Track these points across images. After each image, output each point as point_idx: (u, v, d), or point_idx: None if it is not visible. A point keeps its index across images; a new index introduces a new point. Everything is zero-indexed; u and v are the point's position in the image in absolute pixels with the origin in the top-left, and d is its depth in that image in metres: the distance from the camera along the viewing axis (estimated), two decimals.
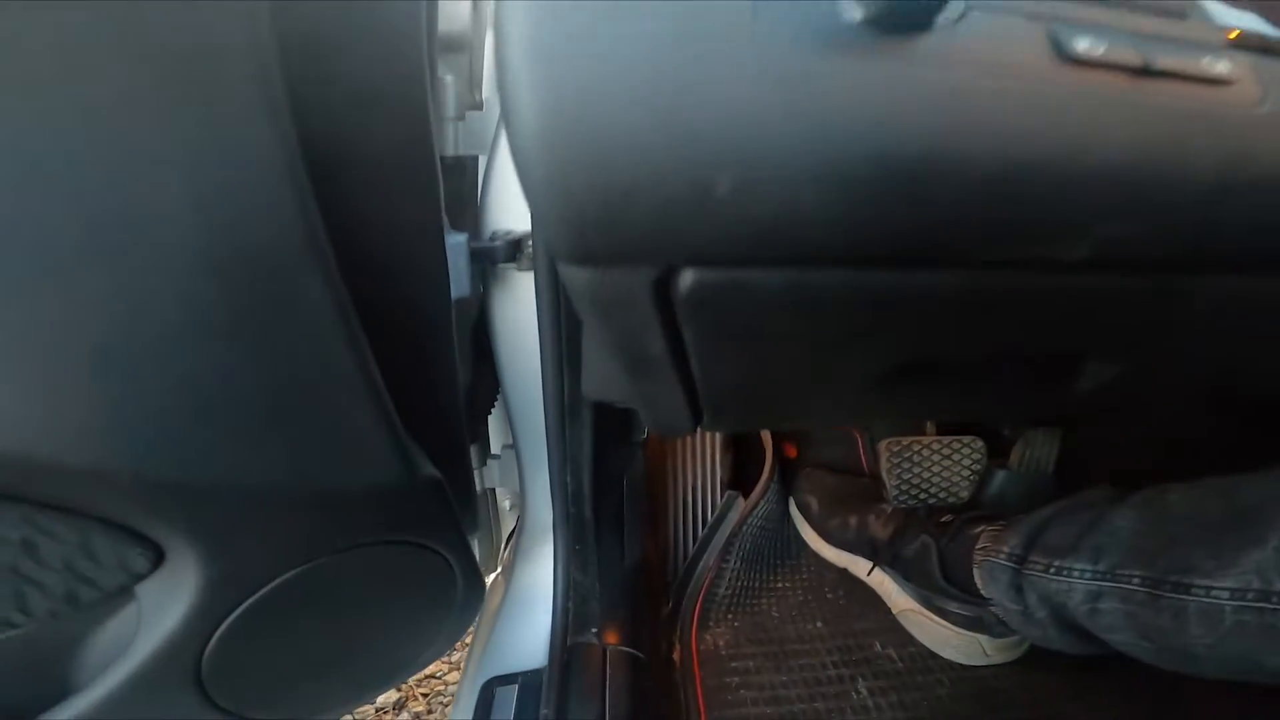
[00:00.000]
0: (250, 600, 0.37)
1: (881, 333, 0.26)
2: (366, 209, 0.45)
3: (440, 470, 0.45)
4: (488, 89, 0.65)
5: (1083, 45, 0.18)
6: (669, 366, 0.26)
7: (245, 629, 0.37)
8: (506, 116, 0.18)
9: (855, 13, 0.16)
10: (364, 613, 0.45)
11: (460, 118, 0.64)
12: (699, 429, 0.39)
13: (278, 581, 0.37)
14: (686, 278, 0.23)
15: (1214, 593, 0.41)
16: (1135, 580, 0.48)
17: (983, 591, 0.66)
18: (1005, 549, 0.62)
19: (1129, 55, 0.19)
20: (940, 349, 0.28)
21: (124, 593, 0.35)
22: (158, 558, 0.34)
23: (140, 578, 0.34)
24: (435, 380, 0.48)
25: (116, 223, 0.30)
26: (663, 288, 0.23)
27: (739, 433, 0.86)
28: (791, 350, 0.26)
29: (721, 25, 0.16)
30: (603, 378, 0.47)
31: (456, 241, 0.53)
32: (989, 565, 0.64)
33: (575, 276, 0.21)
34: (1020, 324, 0.25)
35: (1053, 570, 0.56)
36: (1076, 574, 0.53)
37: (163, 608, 0.35)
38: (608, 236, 0.18)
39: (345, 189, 0.43)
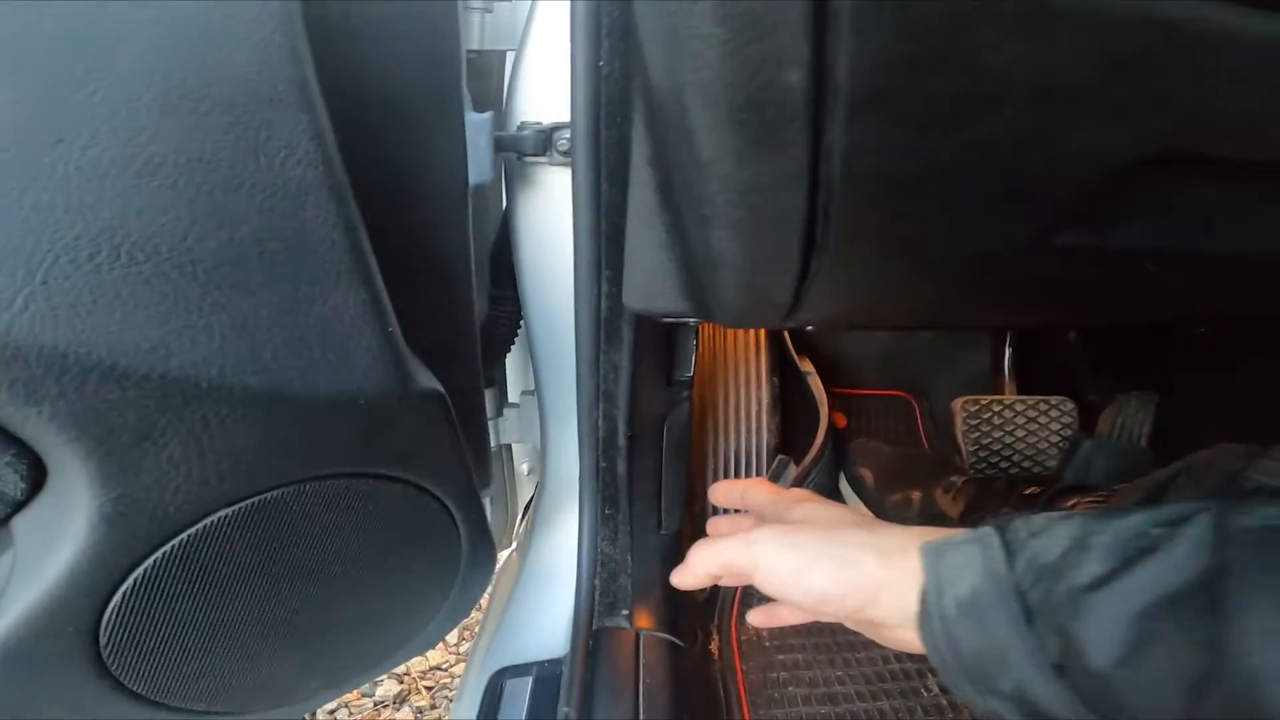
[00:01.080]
0: (169, 545, 0.26)
1: (1154, 79, 0.16)
2: (372, 63, 0.36)
3: (446, 391, 0.35)
4: None
5: None
6: (802, 125, 0.16)
7: (165, 586, 0.27)
8: None
9: None
10: (339, 572, 0.34)
11: (487, 9, 0.56)
12: (789, 316, 0.29)
13: (212, 519, 0.27)
14: None
15: None
16: None
17: None
18: None
19: None
20: (1225, 138, 0.17)
21: None
22: (36, 475, 0.24)
23: (15, 506, 0.24)
24: (443, 277, 0.38)
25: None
26: None
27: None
28: (990, 91, 0.16)
29: None
30: (651, 279, 0.37)
31: (478, 119, 0.43)
32: None
33: None
34: None
35: None
36: None
37: (43, 549, 0.25)
38: None
39: (347, 36, 0.35)
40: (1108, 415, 0.73)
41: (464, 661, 1.29)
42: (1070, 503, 0.61)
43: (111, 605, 0.27)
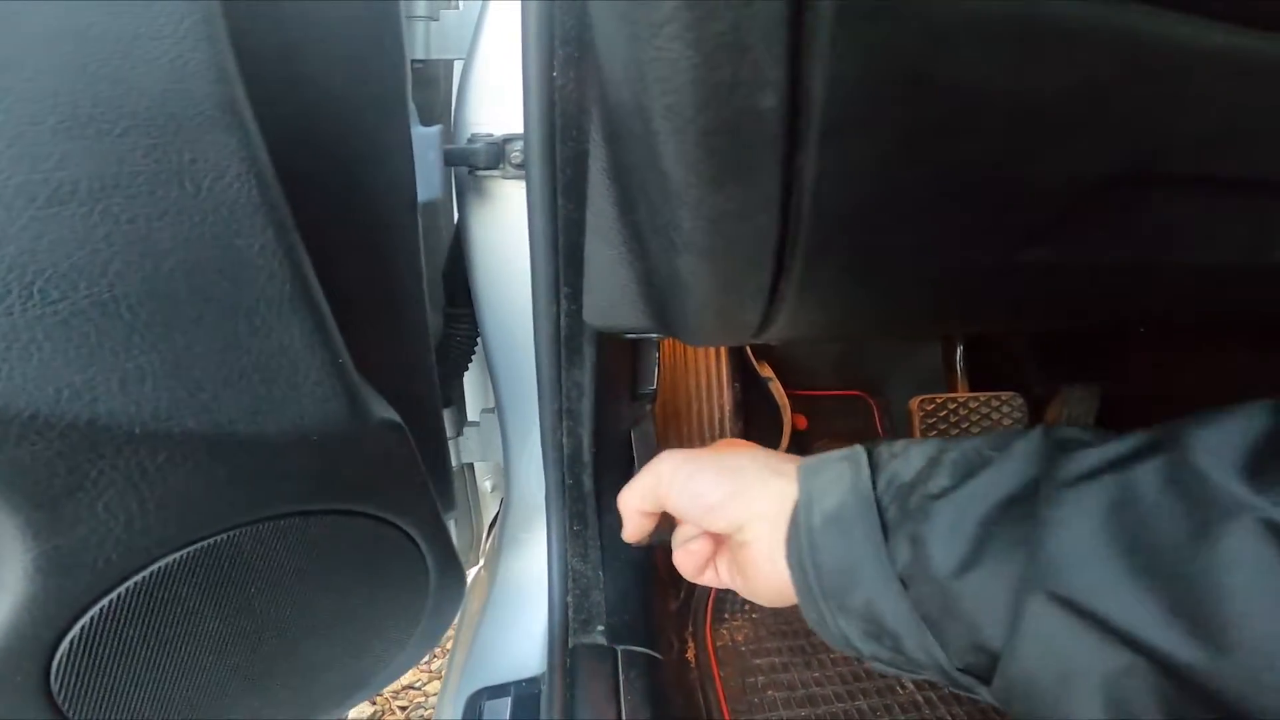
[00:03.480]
0: (114, 593, 0.24)
1: (1116, 102, 0.16)
2: (309, 77, 0.34)
3: (403, 415, 0.33)
4: None
5: None
6: (775, 150, 0.15)
7: (113, 634, 0.25)
8: None
9: None
10: (302, 610, 0.33)
11: (433, 17, 0.54)
12: (756, 336, 0.29)
13: (158, 565, 0.25)
14: None
15: None
16: None
17: None
18: None
19: None
20: (1191, 154, 0.18)
21: None
22: None
23: None
24: (394, 300, 0.36)
25: None
26: None
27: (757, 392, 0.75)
28: (969, 113, 0.16)
29: None
30: (611, 296, 0.36)
31: (425, 133, 0.41)
32: None
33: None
34: None
35: None
36: None
37: None
38: None
39: (280, 48, 0.33)
40: (1054, 406, 0.75)
41: (437, 680, 1.26)
42: None
43: (59, 655, 0.25)
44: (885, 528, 0.29)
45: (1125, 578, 0.21)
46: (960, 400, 0.71)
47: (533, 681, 0.51)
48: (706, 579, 0.41)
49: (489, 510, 0.72)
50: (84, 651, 0.25)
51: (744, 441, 0.41)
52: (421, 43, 0.56)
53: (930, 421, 0.71)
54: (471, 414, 0.61)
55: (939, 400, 0.71)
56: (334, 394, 0.29)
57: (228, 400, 0.26)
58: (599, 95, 0.32)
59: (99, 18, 0.24)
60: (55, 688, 0.25)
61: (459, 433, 0.59)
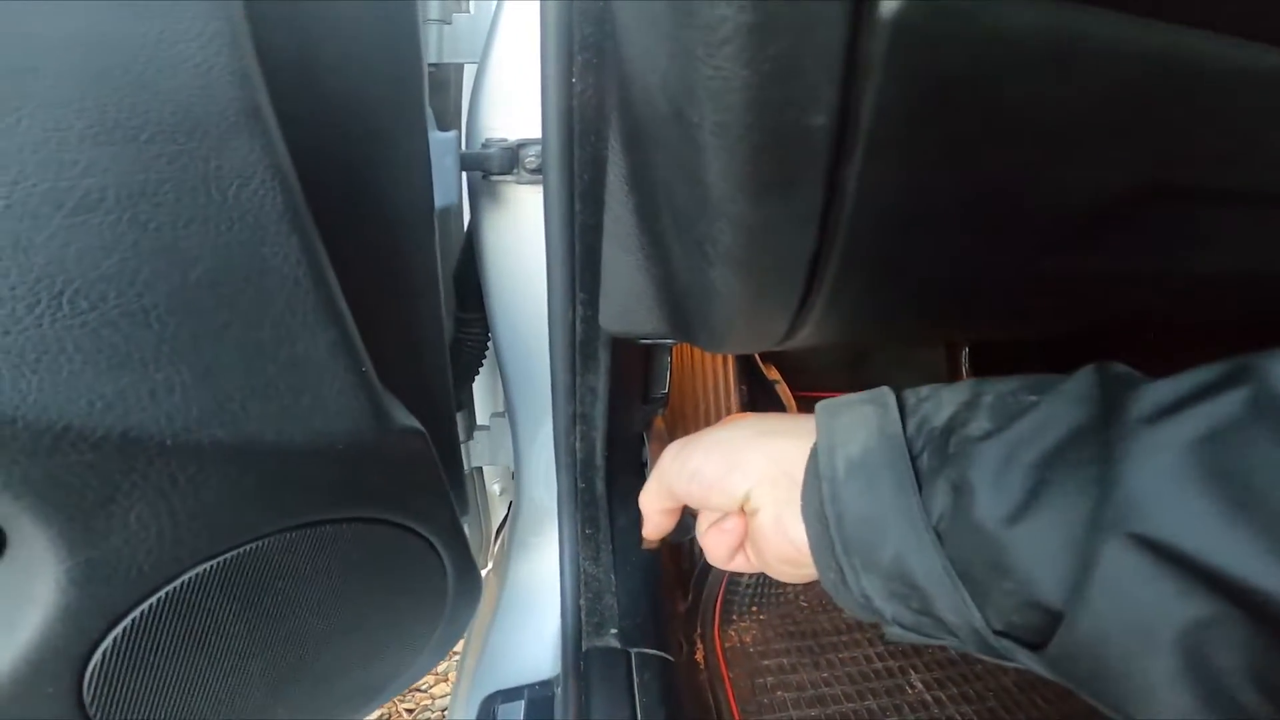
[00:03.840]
0: (146, 603, 0.24)
1: (1155, 115, 0.16)
2: (329, 84, 0.34)
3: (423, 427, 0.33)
4: None
5: None
6: (820, 165, 0.16)
7: (147, 643, 0.25)
8: None
9: None
10: (326, 616, 0.33)
11: (446, 20, 0.54)
12: (781, 343, 0.29)
13: (190, 575, 0.25)
14: (890, 4, 0.12)
15: None
16: None
17: None
18: None
19: None
20: (1210, 167, 0.18)
21: None
22: None
23: None
24: (412, 307, 0.36)
25: None
26: (857, 19, 0.13)
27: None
28: (1010, 130, 0.16)
29: None
30: (628, 303, 0.37)
31: (443, 138, 0.41)
32: None
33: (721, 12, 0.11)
34: None
35: None
36: None
37: (11, 615, 0.22)
38: None
39: (305, 61, 0.33)
40: None
41: (444, 682, 1.25)
42: None
43: (92, 665, 0.25)
44: (918, 476, 0.26)
45: (1221, 513, 0.19)
46: None
47: (546, 685, 0.51)
48: (737, 564, 0.38)
49: (497, 514, 0.72)
50: (116, 661, 0.25)
51: (745, 414, 0.38)
52: (434, 47, 0.56)
53: None
54: (481, 418, 0.61)
55: None
56: (358, 402, 0.29)
57: (256, 410, 0.26)
58: (619, 102, 0.32)
59: (123, 21, 0.24)
60: (88, 698, 0.25)
61: (469, 437, 0.59)
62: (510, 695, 0.51)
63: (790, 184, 0.17)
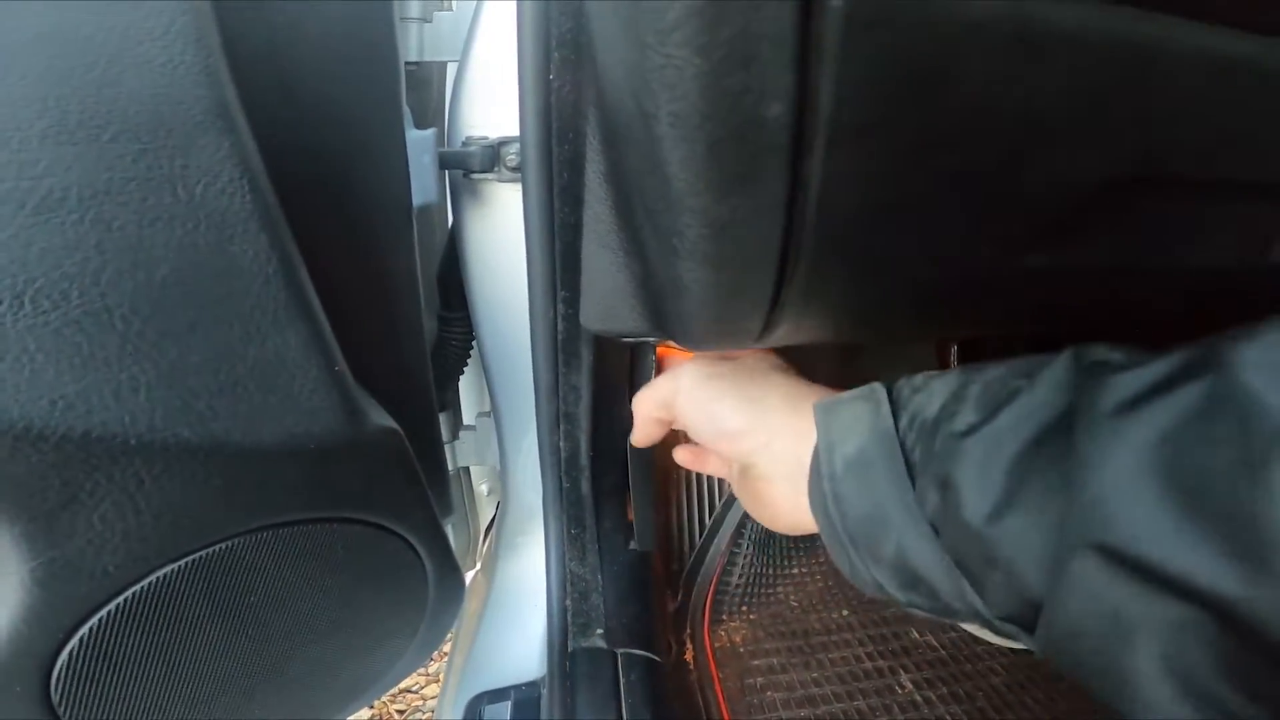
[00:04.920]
0: (113, 603, 0.24)
1: (1115, 112, 0.16)
2: (302, 80, 0.34)
3: (400, 422, 0.33)
4: None
5: None
6: (781, 156, 0.15)
7: (114, 643, 0.25)
8: None
9: None
10: (302, 617, 0.32)
11: (426, 19, 0.54)
12: (758, 341, 0.28)
13: (157, 575, 0.25)
14: None
15: None
16: None
17: None
18: None
19: None
20: (1188, 157, 0.18)
21: None
22: None
23: None
24: (389, 305, 0.36)
25: None
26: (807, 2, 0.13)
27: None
28: (964, 124, 0.16)
29: None
30: (609, 301, 0.36)
31: (420, 136, 0.41)
32: None
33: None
34: None
35: None
36: None
37: None
38: None
39: (277, 58, 0.33)
40: None
41: (434, 683, 1.25)
42: None
43: (59, 665, 0.24)
44: (911, 470, 0.26)
45: (1177, 519, 0.19)
46: None
47: (532, 685, 0.51)
48: (711, 468, 0.40)
49: (485, 514, 0.72)
50: (84, 661, 0.24)
51: (771, 356, 0.38)
52: (415, 45, 0.55)
53: None
54: (467, 418, 0.61)
55: None
56: (331, 401, 0.28)
57: (223, 410, 0.26)
58: (596, 98, 0.31)
59: (87, 19, 0.23)
60: (56, 698, 0.25)
61: (455, 437, 0.59)
62: (496, 696, 0.50)
63: (752, 176, 0.16)
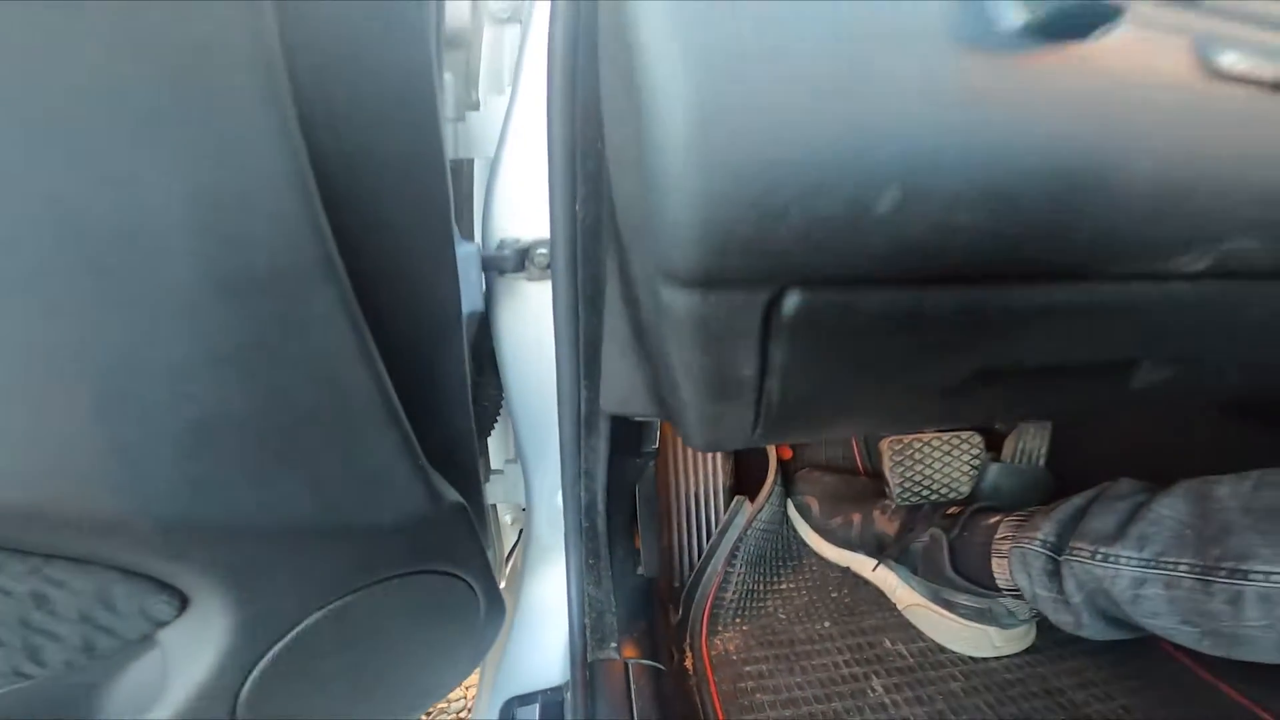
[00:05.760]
0: (283, 641, 0.34)
1: (976, 344, 0.25)
2: (375, 219, 0.41)
3: (459, 493, 0.43)
4: (484, 88, 0.62)
5: (1228, 60, 0.17)
6: (753, 388, 0.25)
7: (279, 671, 0.35)
8: (648, 128, 0.16)
9: (1016, 16, 0.15)
10: (391, 644, 0.42)
11: (459, 118, 0.61)
12: (750, 443, 0.38)
13: (309, 621, 0.34)
14: (792, 300, 0.22)
15: (1273, 578, 0.43)
16: (1183, 567, 0.50)
17: (1012, 579, 0.66)
18: (1039, 536, 0.63)
19: (1269, 70, 0.18)
20: (1025, 356, 0.27)
21: (146, 640, 0.32)
22: (181, 604, 0.31)
23: (163, 624, 0.31)
24: (448, 400, 0.46)
25: (110, 239, 0.25)
26: (770, 310, 0.22)
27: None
28: (878, 365, 0.25)
29: (882, 32, 0.15)
30: (625, 392, 0.46)
31: (468, 252, 0.50)
32: (1021, 552, 0.64)
33: (677, 300, 0.20)
34: (1113, 331, 0.24)
35: (1098, 557, 0.57)
36: (1123, 561, 0.55)
37: (191, 655, 0.32)
38: (747, 257, 0.17)
39: (353, 198, 0.39)
40: (1010, 441, 0.85)
41: (458, 688, 1.34)
42: (993, 519, 0.72)
43: (244, 690, 0.34)
44: None
45: None
46: (925, 439, 0.81)
47: (556, 690, 0.61)
48: None
49: (508, 540, 0.82)
50: (259, 690, 0.34)
51: None
52: (450, 144, 0.63)
53: (898, 459, 0.80)
54: (495, 463, 0.71)
55: (906, 440, 0.81)
56: (419, 489, 0.38)
57: (349, 502, 0.35)
58: (613, 232, 0.40)
59: (217, 178, 0.26)
60: (240, 714, 0.34)
61: (485, 479, 0.68)
62: (526, 699, 0.60)
63: (731, 398, 0.26)
